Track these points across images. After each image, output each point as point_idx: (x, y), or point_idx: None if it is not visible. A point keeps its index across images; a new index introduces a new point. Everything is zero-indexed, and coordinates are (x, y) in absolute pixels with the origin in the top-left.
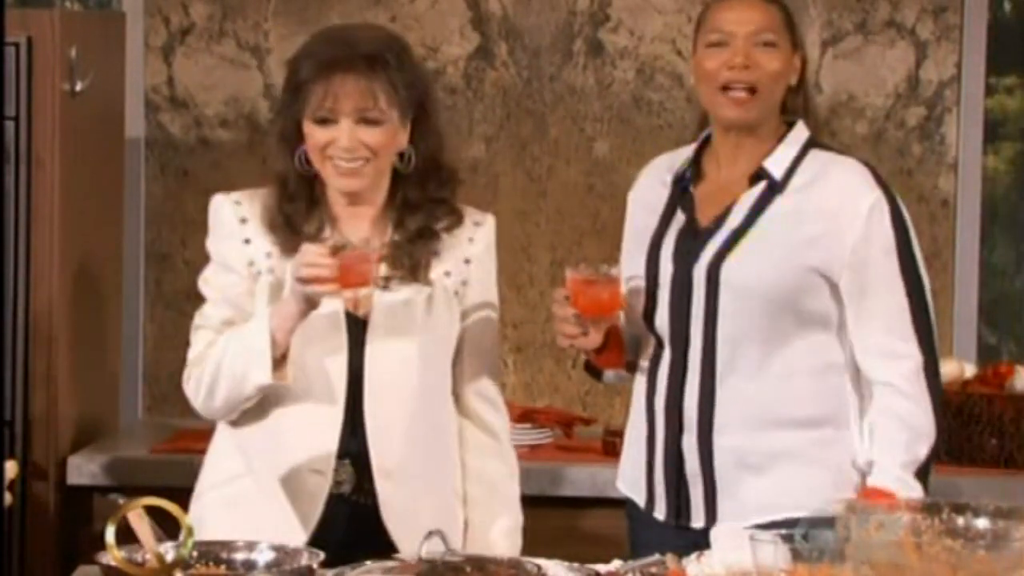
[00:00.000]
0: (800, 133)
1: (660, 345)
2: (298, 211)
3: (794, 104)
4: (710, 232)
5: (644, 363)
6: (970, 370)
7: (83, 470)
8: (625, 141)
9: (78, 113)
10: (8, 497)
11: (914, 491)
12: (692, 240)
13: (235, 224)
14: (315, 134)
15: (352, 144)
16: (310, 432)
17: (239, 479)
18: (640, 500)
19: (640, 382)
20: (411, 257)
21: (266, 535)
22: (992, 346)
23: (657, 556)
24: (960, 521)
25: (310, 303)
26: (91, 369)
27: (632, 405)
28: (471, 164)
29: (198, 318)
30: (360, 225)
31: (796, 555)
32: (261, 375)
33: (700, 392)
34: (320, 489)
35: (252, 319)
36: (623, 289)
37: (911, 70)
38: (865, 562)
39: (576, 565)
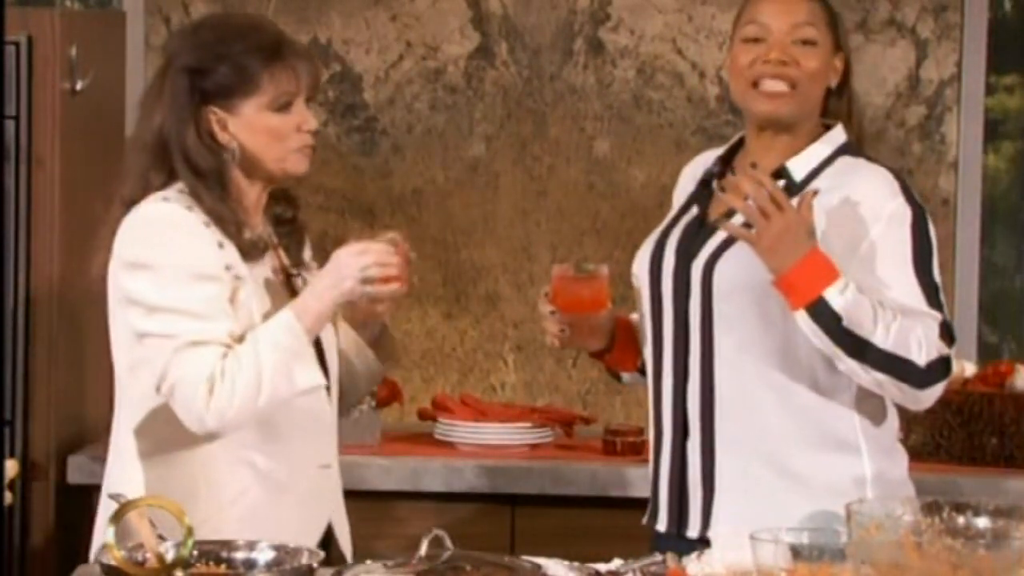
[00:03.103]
0: (836, 137)
1: (662, 345)
2: (236, 210)
3: (836, 108)
4: (714, 228)
5: (650, 366)
6: (970, 369)
7: (83, 469)
8: (625, 140)
9: (78, 112)
10: (8, 496)
11: (837, 299)
12: (695, 235)
13: (203, 229)
14: (275, 121)
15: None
16: (309, 430)
17: (247, 492)
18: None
19: (649, 387)
20: (301, 248)
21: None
22: (992, 345)
23: (657, 555)
24: (960, 520)
25: (344, 304)
26: (91, 368)
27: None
28: (471, 163)
29: (193, 334)
30: (257, 219)
31: (796, 555)
32: (312, 376)
33: (701, 395)
34: (334, 483)
35: (270, 322)
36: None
37: (911, 69)
38: (865, 562)
39: (576, 565)
